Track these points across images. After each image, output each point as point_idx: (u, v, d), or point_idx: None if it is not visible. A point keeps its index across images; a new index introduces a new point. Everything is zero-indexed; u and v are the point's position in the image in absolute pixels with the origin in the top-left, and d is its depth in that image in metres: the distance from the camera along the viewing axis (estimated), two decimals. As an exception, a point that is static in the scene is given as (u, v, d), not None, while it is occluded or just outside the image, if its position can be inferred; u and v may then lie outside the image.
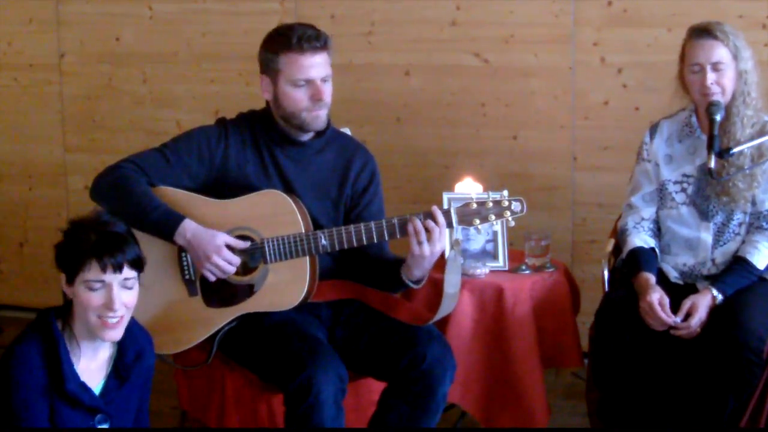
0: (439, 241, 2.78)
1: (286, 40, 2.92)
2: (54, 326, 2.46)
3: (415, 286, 2.91)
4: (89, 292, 2.42)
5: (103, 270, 2.41)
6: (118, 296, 2.43)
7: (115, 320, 2.44)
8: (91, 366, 2.52)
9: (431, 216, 2.78)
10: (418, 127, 4.31)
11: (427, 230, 2.76)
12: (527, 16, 4.11)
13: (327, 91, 2.95)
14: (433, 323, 2.92)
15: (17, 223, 4.92)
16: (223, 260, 2.86)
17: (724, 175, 3.08)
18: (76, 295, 2.44)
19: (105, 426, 2.52)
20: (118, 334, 2.48)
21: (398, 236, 2.82)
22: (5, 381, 2.39)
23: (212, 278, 2.89)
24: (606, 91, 4.08)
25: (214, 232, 2.87)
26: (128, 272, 2.45)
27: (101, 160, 4.25)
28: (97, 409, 2.50)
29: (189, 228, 2.86)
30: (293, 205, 2.89)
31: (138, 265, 2.48)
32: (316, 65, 2.92)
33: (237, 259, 2.88)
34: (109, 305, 2.42)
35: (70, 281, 2.45)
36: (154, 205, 2.88)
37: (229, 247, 2.87)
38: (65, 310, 2.51)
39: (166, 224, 2.87)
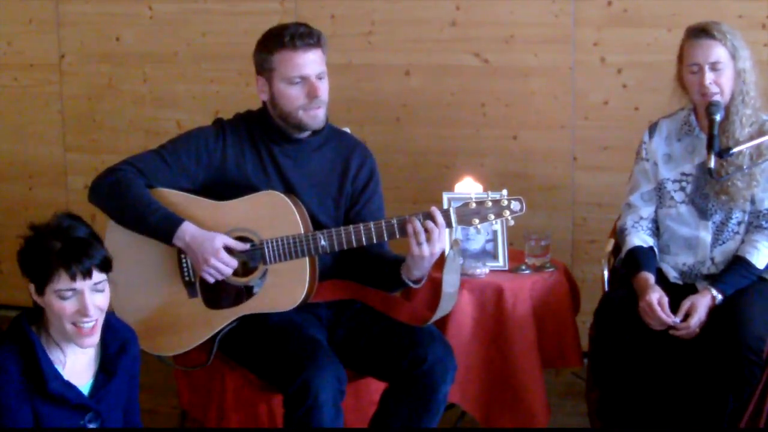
0: (439, 241, 2.78)
1: (279, 38, 2.92)
2: (28, 330, 2.43)
3: (414, 286, 2.91)
4: (61, 301, 2.39)
5: (73, 278, 2.37)
6: (91, 301, 2.40)
7: (90, 325, 2.42)
8: (77, 366, 2.50)
9: (430, 216, 2.78)
10: (418, 127, 4.31)
11: (427, 231, 2.76)
12: (527, 16, 4.11)
13: (323, 88, 2.95)
14: (432, 323, 2.93)
15: (17, 223, 4.87)
16: (220, 263, 2.86)
17: (724, 175, 3.08)
18: (48, 305, 2.41)
19: (95, 425, 2.50)
20: (94, 340, 2.45)
21: (398, 237, 2.82)
22: None
23: (211, 280, 2.90)
24: (606, 91, 4.08)
25: (212, 234, 2.87)
26: (98, 276, 2.41)
27: (101, 160, 4.29)
28: (86, 407, 2.48)
29: (188, 231, 2.86)
30: (292, 206, 2.89)
31: (106, 266, 2.44)
32: (309, 62, 2.93)
33: (235, 262, 2.88)
34: (83, 312, 2.39)
35: (40, 291, 2.41)
36: (153, 208, 2.88)
37: (228, 249, 2.88)
38: (38, 315, 2.47)
39: (164, 227, 2.87)
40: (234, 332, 2.95)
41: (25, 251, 2.45)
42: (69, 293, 2.38)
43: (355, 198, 3.08)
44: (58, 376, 2.43)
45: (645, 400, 3.16)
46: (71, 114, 4.78)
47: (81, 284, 2.39)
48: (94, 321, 2.43)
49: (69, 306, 2.39)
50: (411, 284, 2.89)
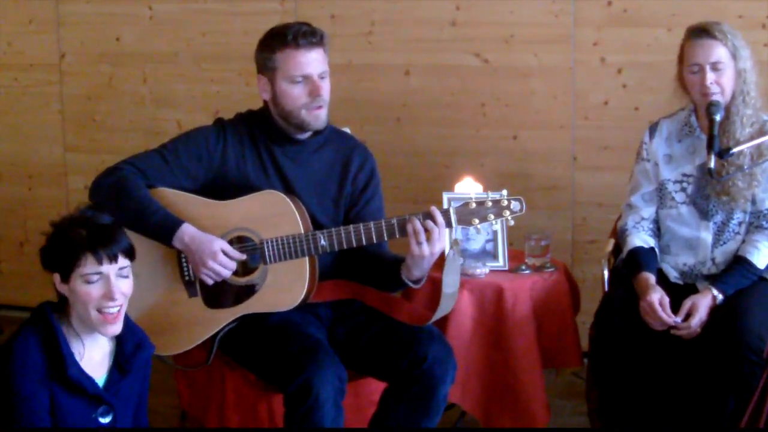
0: (439, 241, 2.78)
1: (282, 37, 2.92)
2: (51, 317, 2.47)
3: (414, 286, 2.91)
4: (87, 285, 2.43)
5: (99, 262, 2.43)
6: (117, 285, 2.45)
7: (115, 310, 2.46)
8: (94, 360, 2.53)
9: (430, 216, 2.78)
10: (418, 127, 4.31)
11: (427, 230, 2.76)
12: (527, 16, 4.11)
13: (325, 87, 2.95)
14: (432, 323, 2.93)
15: (17, 223, 4.92)
16: (219, 265, 2.86)
17: (724, 175, 3.08)
18: (74, 291, 2.45)
19: (107, 419, 2.53)
20: (118, 327, 2.49)
21: (398, 236, 2.82)
22: (5, 375, 2.39)
23: (210, 282, 2.90)
24: (606, 91, 4.08)
25: (211, 237, 2.88)
26: (123, 261, 2.47)
27: (101, 160, 4.28)
28: (100, 399, 2.50)
29: (187, 232, 2.87)
30: (292, 205, 2.89)
31: (131, 254, 2.51)
32: (312, 61, 2.93)
33: (233, 264, 2.89)
34: (108, 295, 2.44)
35: (65, 279, 2.45)
36: (153, 209, 2.88)
37: (225, 252, 2.88)
38: (61, 306, 2.51)
39: (164, 228, 2.87)
40: (234, 332, 2.95)
41: (49, 245, 2.49)
42: (95, 277, 2.43)
43: (355, 198, 3.08)
44: (77, 364, 2.47)
45: (645, 400, 3.16)
46: (71, 114, 4.78)
47: (107, 268, 2.44)
48: (119, 306, 2.47)
49: (95, 290, 2.43)
50: (411, 284, 2.89)
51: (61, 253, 2.46)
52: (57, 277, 2.48)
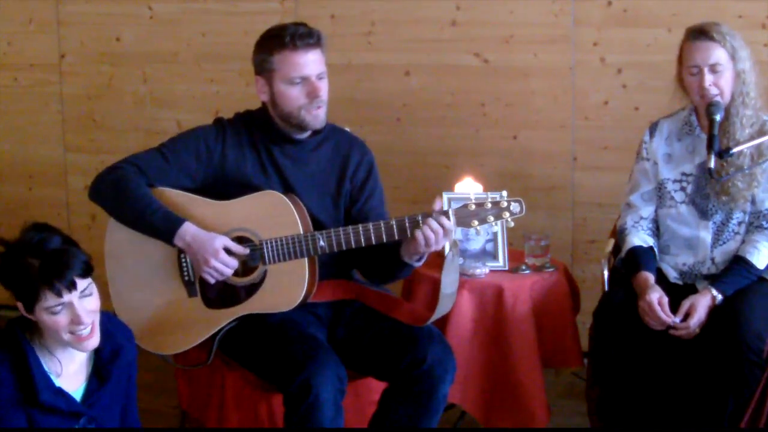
0: (443, 240, 2.78)
1: (279, 39, 2.92)
2: (21, 338, 2.42)
3: (416, 264, 2.90)
4: (53, 316, 2.36)
5: (59, 294, 2.34)
6: (82, 309, 2.38)
7: (87, 331, 2.40)
8: (70, 370, 2.48)
9: (435, 219, 2.77)
10: (418, 127, 4.31)
11: (433, 231, 2.76)
12: (527, 16, 4.11)
13: (323, 87, 2.95)
14: (432, 323, 2.93)
15: (17, 223, 4.84)
16: (221, 263, 2.86)
17: (724, 175, 3.08)
18: (41, 321, 2.38)
19: (90, 427, 2.50)
20: (95, 341, 2.43)
21: (397, 238, 2.81)
22: None
23: (211, 281, 2.90)
24: (606, 91, 4.08)
25: (213, 234, 2.87)
26: (82, 283, 2.38)
27: (101, 160, 4.28)
28: (79, 414, 2.47)
29: (189, 231, 2.86)
30: (291, 206, 2.88)
31: (88, 271, 2.40)
32: (310, 62, 2.93)
33: (235, 262, 2.89)
34: (76, 321, 2.37)
35: (29, 310, 2.38)
36: (154, 208, 2.88)
37: (228, 249, 2.88)
38: (31, 322, 2.44)
39: (166, 227, 2.87)
40: (234, 332, 2.95)
41: (2, 272, 2.41)
42: (59, 308, 2.36)
43: (355, 195, 3.08)
44: (50, 386, 2.42)
45: (645, 400, 3.16)
46: (71, 114, 4.78)
47: (68, 297, 2.36)
48: (91, 325, 2.41)
49: (61, 319, 2.37)
50: (413, 263, 2.89)
51: (17, 287, 2.38)
52: (20, 305, 2.40)
